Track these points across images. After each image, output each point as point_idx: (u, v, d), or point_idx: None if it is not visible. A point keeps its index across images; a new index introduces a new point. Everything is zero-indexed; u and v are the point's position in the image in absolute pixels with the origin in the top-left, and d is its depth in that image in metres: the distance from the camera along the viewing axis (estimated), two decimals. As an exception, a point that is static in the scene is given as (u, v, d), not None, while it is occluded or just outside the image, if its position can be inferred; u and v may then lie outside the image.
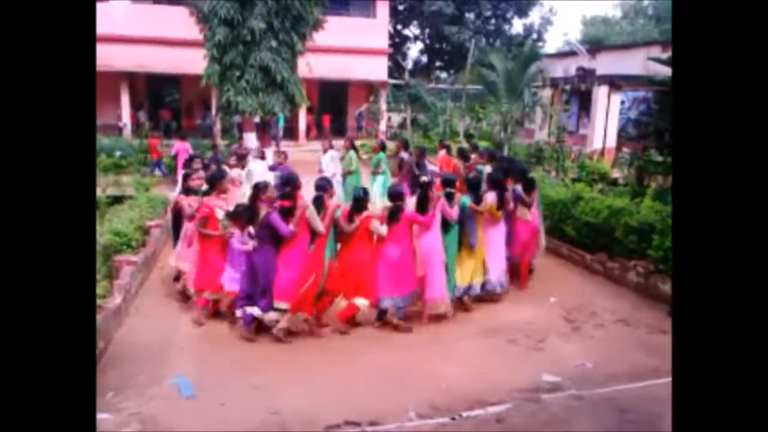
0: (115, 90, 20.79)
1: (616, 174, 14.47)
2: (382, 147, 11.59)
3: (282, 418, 4.50)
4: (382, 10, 24.09)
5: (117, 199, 10.82)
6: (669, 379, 4.90)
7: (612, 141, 18.68)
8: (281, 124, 21.19)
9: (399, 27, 34.14)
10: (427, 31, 34.27)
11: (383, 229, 6.05)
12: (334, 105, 25.35)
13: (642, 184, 11.25)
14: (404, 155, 11.07)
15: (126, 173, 14.79)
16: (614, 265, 8.04)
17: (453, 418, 4.52)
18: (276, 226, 5.72)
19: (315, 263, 5.82)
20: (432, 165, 11.40)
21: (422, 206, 6.27)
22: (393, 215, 6.11)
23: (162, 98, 24.32)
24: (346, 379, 5.19)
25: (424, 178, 6.66)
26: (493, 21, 34.73)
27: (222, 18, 14.76)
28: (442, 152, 11.17)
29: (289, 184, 6.10)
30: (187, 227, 6.72)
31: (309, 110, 22.60)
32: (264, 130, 15.92)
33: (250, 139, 15.20)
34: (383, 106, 24.20)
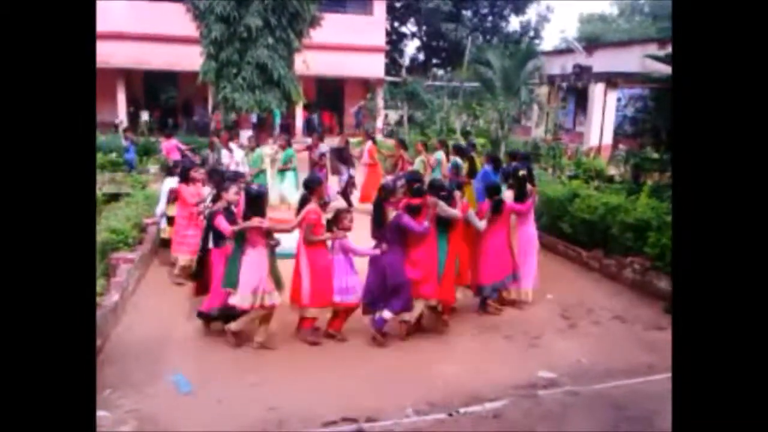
0: (111, 87, 20.72)
1: (612, 171, 14.49)
2: (289, 143, 11.59)
3: (279, 414, 4.51)
4: (379, 7, 24.08)
5: (113, 197, 10.80)
6: (665, 376, 4.93)
7: (608, 138, 18.72)
8: (278, 120, 21.17)
9: (396, 24, 34.11)
10: (424, 28, 34.26)
11: (481, 223, 6.34)
12: (330, 102, 25.32)
13: (638, 182, 11.27)
14: (324, 149, 11.28)
15: (122, 171, 14.74)
16: (610, 262, 8.07)
17: (450, 415, 4.54)
18: (410, 228, 5.64)
19: (455, 251, 6.04)
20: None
21: (521, 196, 6.80)
22: (497, 208, 6.46)
23: (158, 95, 24.23)
24: (344, 376, 5.20)
25: (522, 172, 7.05)
26: (490, 18, 34.74)
27: (218, 15, 14.77)
28: (369, 143, 11.86)
29: (417, 181, 6.22)
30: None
31: (306, 107, 22.61)
32: (261, 127, 15.94)
33: (246, 137, 15.23)
34: (380, 103, 24.19)
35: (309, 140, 13.56)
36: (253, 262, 5.43)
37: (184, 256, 7.31)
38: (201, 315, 5.98)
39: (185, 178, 7.38)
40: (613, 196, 8.78)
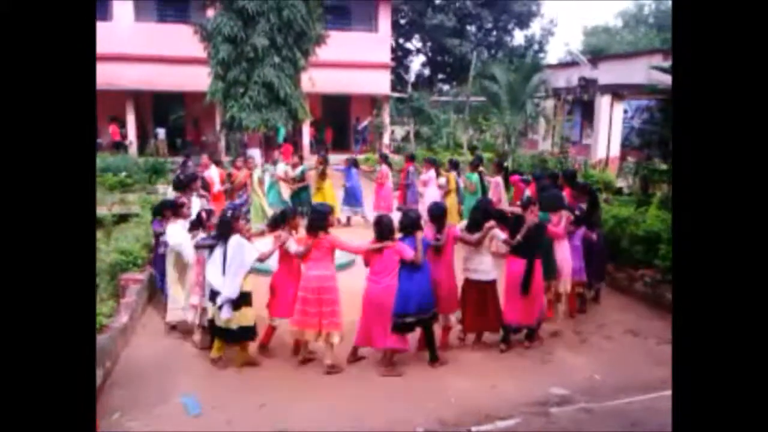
0: (120, 108, 20.94)
1: (620, 183, 14.43)
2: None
3: (289, 435, 4.47)
4: (384, 24, 24.25)
5: (123, 218, 10.84)
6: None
7: (616, 150, 18.65)
8: (280, 138, 21.21)
9: (401, 41, 34.33)
10: (429, 44, 34.45)
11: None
12: (337, 119, 25.43)
13: (647, 193, 11.22)
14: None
15: (131, 191, 14.86)
16: (621, 275, 7.99)
17: (461, 433, 4.49)
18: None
19: None
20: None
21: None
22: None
23: (167, 116, 24.43)
24: (353, 394, 5.16)
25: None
26: (494, 33, 34.90)
27: (225, 36, 14.94)
28: (213, 167, 10.77)
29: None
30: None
31: (312, 124, 22.71)
32: (269, 146, 16.04)
33: (254, 155, 15.33)
34: (386, 119, 24.28)
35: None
36: (567, 249, 6.62)
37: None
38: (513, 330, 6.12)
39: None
40: (622, 209, 8.74)
